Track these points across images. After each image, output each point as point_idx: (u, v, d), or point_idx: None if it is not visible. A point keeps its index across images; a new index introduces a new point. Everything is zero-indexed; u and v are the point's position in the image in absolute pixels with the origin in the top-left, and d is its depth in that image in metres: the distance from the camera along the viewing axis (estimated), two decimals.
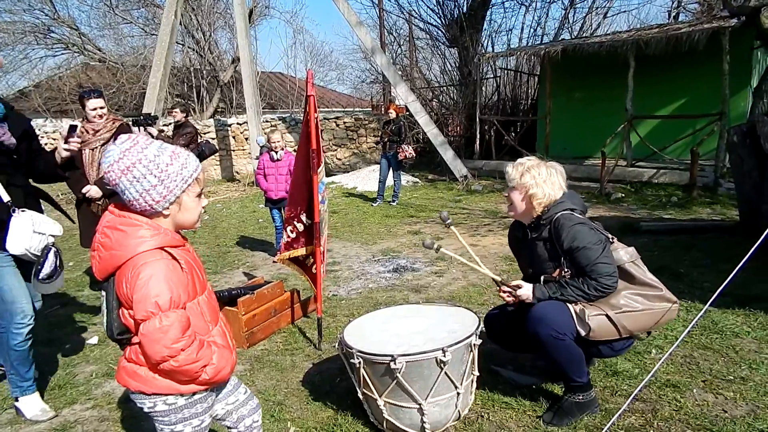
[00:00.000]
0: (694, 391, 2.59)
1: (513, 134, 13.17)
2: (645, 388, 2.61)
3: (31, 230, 2.55)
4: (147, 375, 1.56)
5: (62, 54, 18.33)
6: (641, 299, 2.32)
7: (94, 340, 3.76)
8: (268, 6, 19.50)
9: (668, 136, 9.46)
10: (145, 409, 1.62)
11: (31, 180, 2.87)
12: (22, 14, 17.22)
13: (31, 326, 2.68)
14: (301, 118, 13.54)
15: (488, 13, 13.88)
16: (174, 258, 1.54)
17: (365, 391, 2.30)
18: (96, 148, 4.14)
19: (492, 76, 14.40)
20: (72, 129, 2.79)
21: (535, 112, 13.52)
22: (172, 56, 11.63)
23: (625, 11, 16.04)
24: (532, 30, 15.27)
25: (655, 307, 2.32)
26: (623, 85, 9.55)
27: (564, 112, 11.55)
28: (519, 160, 2.53)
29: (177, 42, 15.12)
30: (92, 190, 4.11)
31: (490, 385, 2.72)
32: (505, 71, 14.46)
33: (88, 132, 4.16)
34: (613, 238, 2.46)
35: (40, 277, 2.58)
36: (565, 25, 15.00)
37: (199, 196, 1.62)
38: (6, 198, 2.58)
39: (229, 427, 1.84)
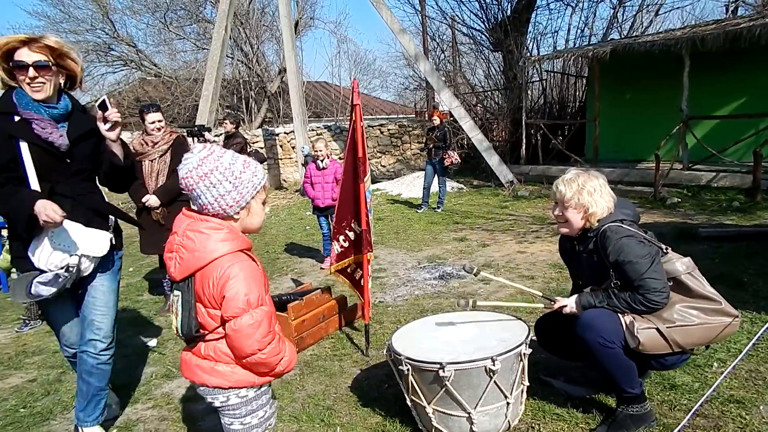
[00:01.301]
0: (761, 408, 2.45)
1: (560, 138, 12.89)
2: (706, 403, 2.50)
3: (49, 244, 2.29)
4: (225, 370, 1.65)
5: (121, 70, 19.35)
6: (697, 313, 2.23)
7: (153, 342, 3.94)
8: (313, 17, 19.98)
9: (728, 137, 9.01)
10: (217, 404, 1.71)
11: (105, 189, 2.59)
12: (86, 34, 18.31)
13: (71, 351, 2.59)
14: (346, 126, 13.77)
15: (533, 15, 13.68)
16: (252, 259, 1.65)
17: (414, 398, 2.31)
18: (155, 159, 4.35)
19: (538, 79, 14.15)
20: (102, 105, 2.29)
21: (583, 114, 13.18)
22: (222, 69, 12.06)
23: (678, 8, 15.41)
24: (579, 31, 14.96)
25: (713, 321, 2.22)
26: (677, 84, 9.19)
27: (614, 115, 11.22)
28: (566, 177, 2.41)
29: (227, 55, 15.69)
30: (151, 200, 4.31)
31: (540, 396, 2.67)
32: (552, 74, 14.18)
33: (147, 144, 4.39)
34: (667, 249, 2.36)
35: (32, 282, 2.27)
36: (614, 24, 14.58)
37: (264, 202, 1.73)
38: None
39: None
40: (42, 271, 2.31)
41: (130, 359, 3.68)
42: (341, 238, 3.55)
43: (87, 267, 2.42)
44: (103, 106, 2.28)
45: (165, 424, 2.79)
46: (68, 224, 2.30)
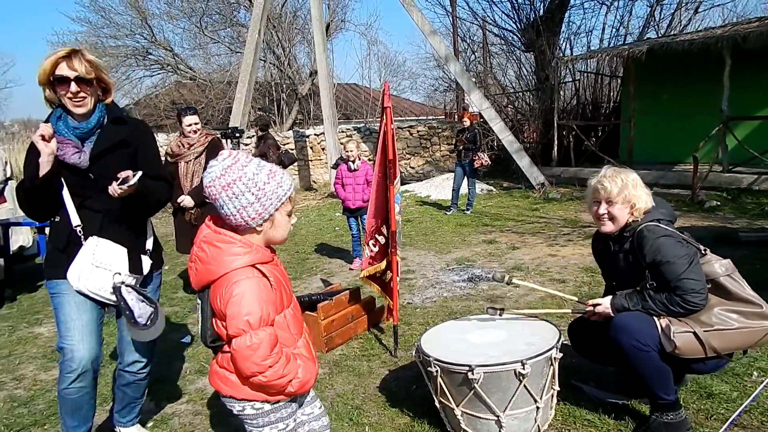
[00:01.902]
0: None
1: (593, 139, 12.65)
2: (745, 413, 2.42)
3: (90, 263, 2.17)
4: (237, 381, 1.63)
5: (158, 74, 19.93)
6: (737, 316, 2.17)
7: (187, 339, 4.05)
8: (344, 19, 20.14)
9: None
10: (235, 412, 1.70)
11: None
12: (125, 39, 18.93)
13: (77, 372, 2.19)
14: (376, 128, 13.83)
15: (566, 15, 13.47)
16: (264, 274, 1.60)
17: (442, 399, 2.31)
18: (190, 161, 4.47)
19: (571, 80, 13.92)
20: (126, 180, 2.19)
21: (617, 115, 12.90)
22: (255, 73, 12.27)
23: (719, 5, 14.80)
24: (614, 30, 14.62)
25: (753, 325, 2.15)
26: (717, 84, 8.91)
27: (650, 115, 10.94)
28: (607, 174, 2.37)
29: (260, 58, 15.97)
30: (186, 200, 4.44)
31: (571, 401, 2.63)
32: (585, 74, 13.92)
33: (183, 146, 4.51)
34: (705, 250, 2.31)
35: (138, 324, 2.19)
36: (651, 23, 14.22)
37: (289, 214, 1.66)
38: (75, 221, 2.22)
39: None
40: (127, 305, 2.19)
41: (165, 355, 3.78)
42: (371, 242, 3.57)
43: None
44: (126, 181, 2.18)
45: (199, 418, 2.87)
46: (104, 242, 2.22)
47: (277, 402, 1.68)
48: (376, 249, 3.56)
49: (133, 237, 2.34)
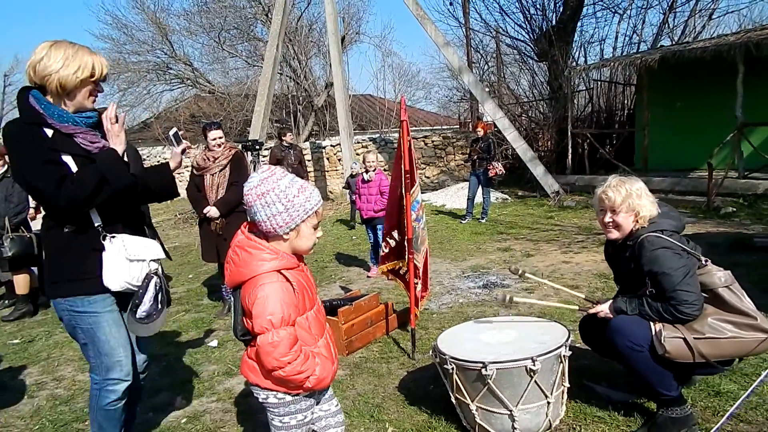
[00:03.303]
0: None
1: (608, 147, 12.68)
2: (752, 409, 2.52)
3: (126, 259, 2.15)
4: (263, 372, 1.81)
5: (178, 88, 20.47)
6: (730, 327, 2.27)
7: (214, 343, 4.24)
8: (359, 32, 20.51)
9: None
10: (260, 399, 1.88)
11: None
12: (146, 55, 19.50)
13: (127, 383, 2.24)
14: (391, 139, 14.03)
15: (578, 24, 13.58)
16: (288, 279, 1.77)
17: (458, 396, 2.45)
18: (215, 173, 4.69)
19: (584, 88, 14.00)
20: (176, 136, 2.51)
21: (631, 123, 12.93)
22: (274, 87, 12.59)
23: (733, 11, 14.80)
24: (627, 38, 14.69)
25: (746, 336, 2.26)
26: (731, 91, 8.94)
27: (664, 123, 10.97)
28: (612, 183, 2.48)
29: (277, 71, 16.35)
30: (211, 211, 4.65)
31: (583, 399, 2.75)
32: (599, 82, 13.99)
33: (208, 159, 4.74)
34: (706, 261, 2.42)
35: (137, 316, 2.18)
36: (664, 30, 14.25)
37: (315, 227, 1.84)
38: (97, 221, 2.14)
39: (314, 430, 2.01)
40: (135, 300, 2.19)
41: (194, 358, 3.98)
42: (383, 244, 3.86)
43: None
44: (177, 138, 2.51)
45: (228, 415, 3.04)
46: (130, 237, 2.20)
47: (297, 395, 1.85)
48: (386, 250, 3.82)
49: (139, 231, 2.31)
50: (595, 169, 11.70)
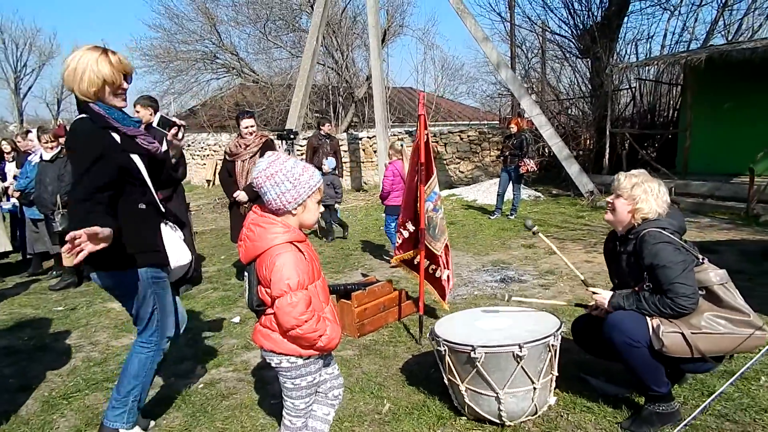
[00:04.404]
0: None
1: (650, 149, 12.35)
2: (741, 410, 2.55)
3: (179, 238, 2.60)
4: (277, 338, 2.01)
5: (224, 77, 21.13)
6: (725, 323, 2.31)
7: (236, 319, 4.50)
8: (402, 24, 20.56)
9: None
10: (273, 365, 2.08)
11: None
12: (195, 44, 20.19)
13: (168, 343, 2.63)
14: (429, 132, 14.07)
15: (625, 20, 13.21)
16: (299, 250, 1.99)
17: (450, 377, 2.59)
18: (246, 159, 4.95)
19: (627, 87, 13.64)
20: (165, 120, 2.74)
21: (676, 124, 12.54)
22: (312, 78, 12.85)
23: None
24: (677, 36, 14.17)
25: (739, 331, 2.30)
26: None
27: (708, 125, 10.59)
28: (633, 172, 2.62)
29: (318, 62, 16.65)
30: (241, 195, 4.92)
31: (575, 391, 2.83)
32: (642, 81, 13.60)
33: (240, 146, 5.00)
34: (703, 259, 2.46)
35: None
36: (715, 28, 13.69)
37: (318, 202, 2.06)
38: (160, 207, 2.53)
39: (319, 392, 2.22)
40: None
41: (217, 332, 4.25)
42: (397, 235, 4.03)
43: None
44: (167, 123, 2.71)
45: (241, 384, 3.28)
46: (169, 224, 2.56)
47: (308, 358, 2.05)
48: (399, 241, 3.99)
49: (180, 223, 2.75)
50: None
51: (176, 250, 2.54)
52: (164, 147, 2.60)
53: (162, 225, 2.52)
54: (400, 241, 4.00)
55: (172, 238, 2.55)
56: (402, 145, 6.11)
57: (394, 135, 14.02)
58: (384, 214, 6.14)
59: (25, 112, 35.57)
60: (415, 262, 3.99)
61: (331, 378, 2.23)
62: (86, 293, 5.59)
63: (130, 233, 2.30)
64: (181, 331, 2.76)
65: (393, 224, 6.08)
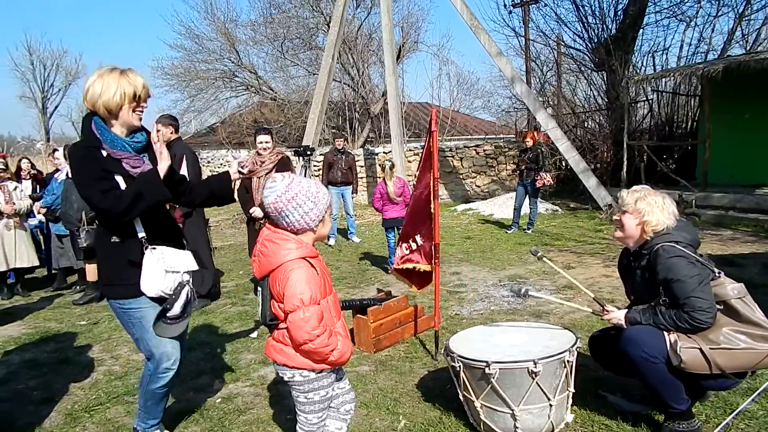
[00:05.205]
0: None
1: (669, 161, 12.20)
2: (765, 429, 2.49)
3: (163, 269, 2.41)
4: (290, 352, 2.04)
5: (243, 95, 21.54)
6: (744, 338, 2.28)
7: (254, 334, 4.54)
8: (417, 41, 20.76)
9: None
10: (286, 378, 2.11)
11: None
12: (215, 63, 20.66)
13: (174, 371, 2.55)
14: (442, 147, 14.13)
15: (640, 33, 13.17)
16: (312, 265, 2.03)
17: (465, 393, 2.58)
18: (261, 176, 5.03)
19: (644, 99, 13.54)
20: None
21: (695, 136, 12.39)
22: (328, 95, 13.04)
23: None
24: (693, 47, 14.06)
25: (759, 347, 2.26)
26: None
27: (727, 136, 10.44)
28: (635, 188, 2.63)
29: (335, 79, 16.87)
30: (256, 211, 4.99)
31: (593, 408, 2.80)
32: (659, 93, 13.49)
33: (257, 163, 5.09)
34: (719, 273, 2.43)
35: (168, 316, 2.44)
36: (733, 38, 13.56)
37: (330, 214, 2.12)
38: (141, 233, 2.42)
39: (331, 407, 2.23)
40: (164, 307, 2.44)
41: (235, 347, 4.29)
42: (404, 246, 3.98)
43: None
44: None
45: (258, 399, 3.31)
46: (168, 249, 2.48)
47: (321, 372, 2.08)
48: (407, 252, 3.96)
49: (177, 243, 2.60)
50: (651, 183, 11.29)
51: (153, 280, 2.39)
52: (183, 171, 2.64)
53: (147, 252, 2.41)
54: (408, 252, 3.97)
55: (152, 267, 2.40)
56: (387, 165, 6.42)
57: (410, 150, 14.11)
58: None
59: (52, 131, 36.68)
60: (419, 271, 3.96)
61: (342, 392, 2.25)
62: (108, 308, 5.66)
63: (101, 266, 2.54)
64: (176, 365, 2.61)
65: (390, 235, 6.54)
